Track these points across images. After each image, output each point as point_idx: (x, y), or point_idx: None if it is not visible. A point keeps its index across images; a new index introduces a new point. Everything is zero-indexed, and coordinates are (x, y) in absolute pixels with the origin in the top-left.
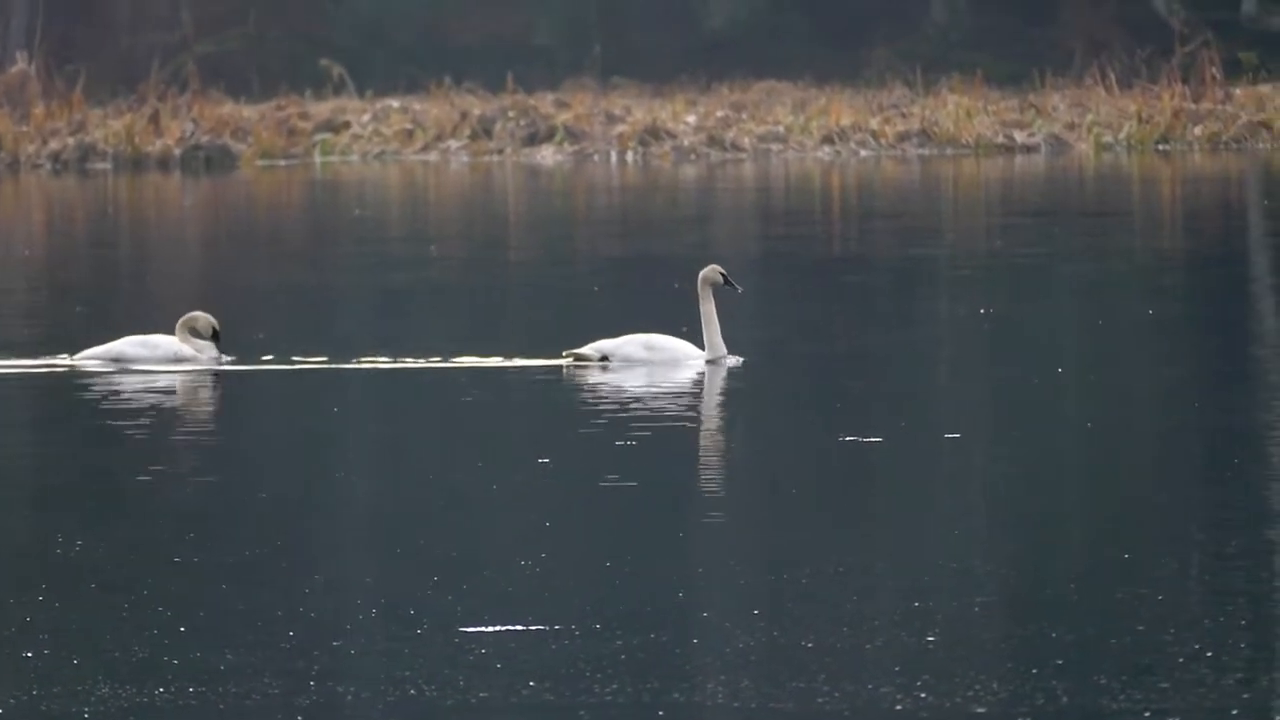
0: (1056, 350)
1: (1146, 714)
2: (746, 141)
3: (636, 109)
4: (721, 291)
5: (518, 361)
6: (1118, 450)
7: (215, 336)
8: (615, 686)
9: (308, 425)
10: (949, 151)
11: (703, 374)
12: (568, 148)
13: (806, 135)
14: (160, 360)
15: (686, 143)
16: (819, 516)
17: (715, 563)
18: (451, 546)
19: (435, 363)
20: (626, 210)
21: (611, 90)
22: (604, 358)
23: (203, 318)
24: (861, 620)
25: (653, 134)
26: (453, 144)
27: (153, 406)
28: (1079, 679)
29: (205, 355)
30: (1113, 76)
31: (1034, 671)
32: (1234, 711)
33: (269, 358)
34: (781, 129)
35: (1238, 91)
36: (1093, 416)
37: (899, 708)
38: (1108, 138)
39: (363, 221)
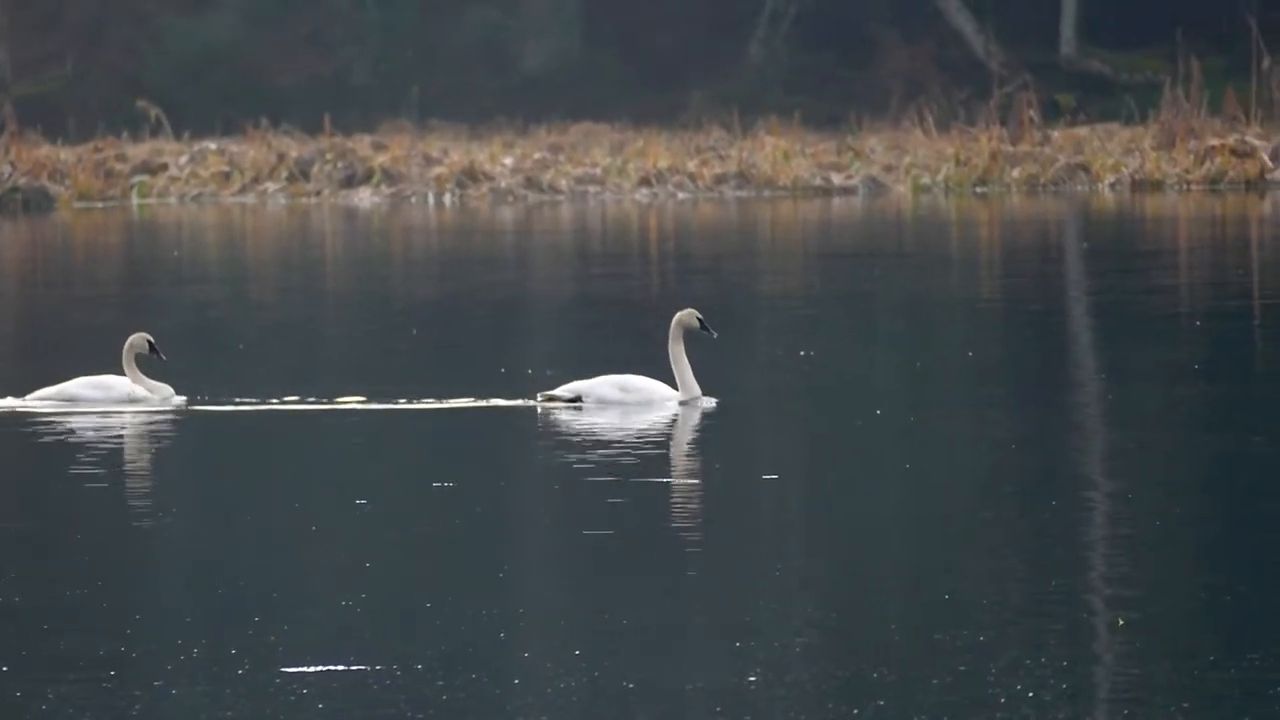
0: (875, 392)
1: None
2: (564, 183)
3: (454, 151)
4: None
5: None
6: (936, 492)
7: (153, 350)
8: None
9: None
10: (766, 194)
11: (675, 416)
12: (385, 189)
13: (624, 177)
14: (113, 401)
15: (504, 184)
16: (640, 557)
17: (539, 602)
18: (273, 587)
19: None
20: (444, 252)
21: (429, 132)
22: (577, 398)
23: (136, 338)
24: (682, 660)
25: (470, 176)
26: (270, 186)
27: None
28: (899, 718)
29: (158, 396)
30: (930, 119)
31: (855, 712)
32: None
33: (228, 398)
34: (599, 171)
35: (1056, 134)
36: (911, 459)
37: None
38: (925, 180)
39: (180, 263)
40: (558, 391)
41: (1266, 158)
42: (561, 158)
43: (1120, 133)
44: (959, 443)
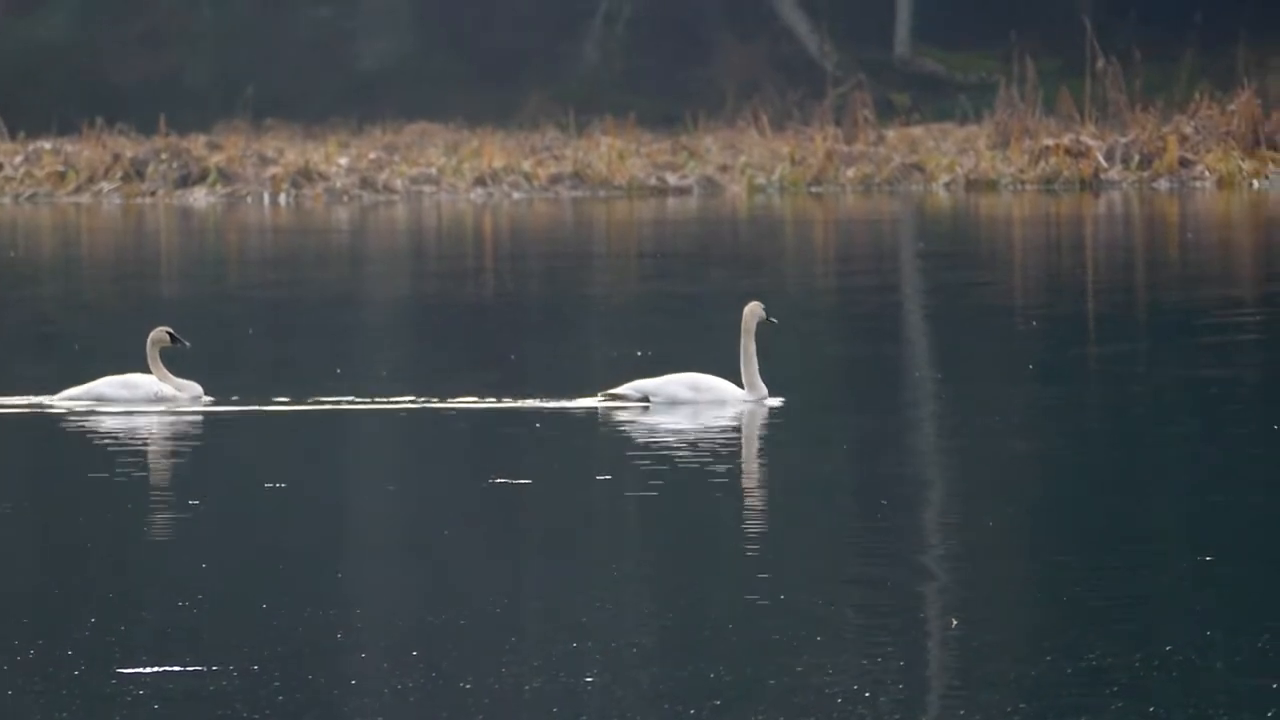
0: None
1: None
2: (399, 183)
3: (289, 150)
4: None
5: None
6: (769, 491)
7: (175, 340)
8: None
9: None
10: (602, 193)
11: (739, 416)
12: (220, 189)
13: (459, 177)
14: (140, 401)
15: (339, 184)
16: (476, 558)
17: (376, 603)
18: (110, 587)
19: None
20: (278, 252)
21: (264, 132)
22: (644, 398)
23: (157, 333)
24: (519, 660)
25: (305, 176)
26: (105, 186)
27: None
28: (737, 718)
29: (186, 394)
30: (765, 118)
31: (691, 712)
32: None
33: (253, 398)
34: (434, 171)
35: (890, 133)
36: (744, 457)
37: None
38: (760, 179)
39: (16, 263)
40: (622, 390)
41: (1101, 158)
42: (397, 157)
43: (955, 132)
44: (793, 443)
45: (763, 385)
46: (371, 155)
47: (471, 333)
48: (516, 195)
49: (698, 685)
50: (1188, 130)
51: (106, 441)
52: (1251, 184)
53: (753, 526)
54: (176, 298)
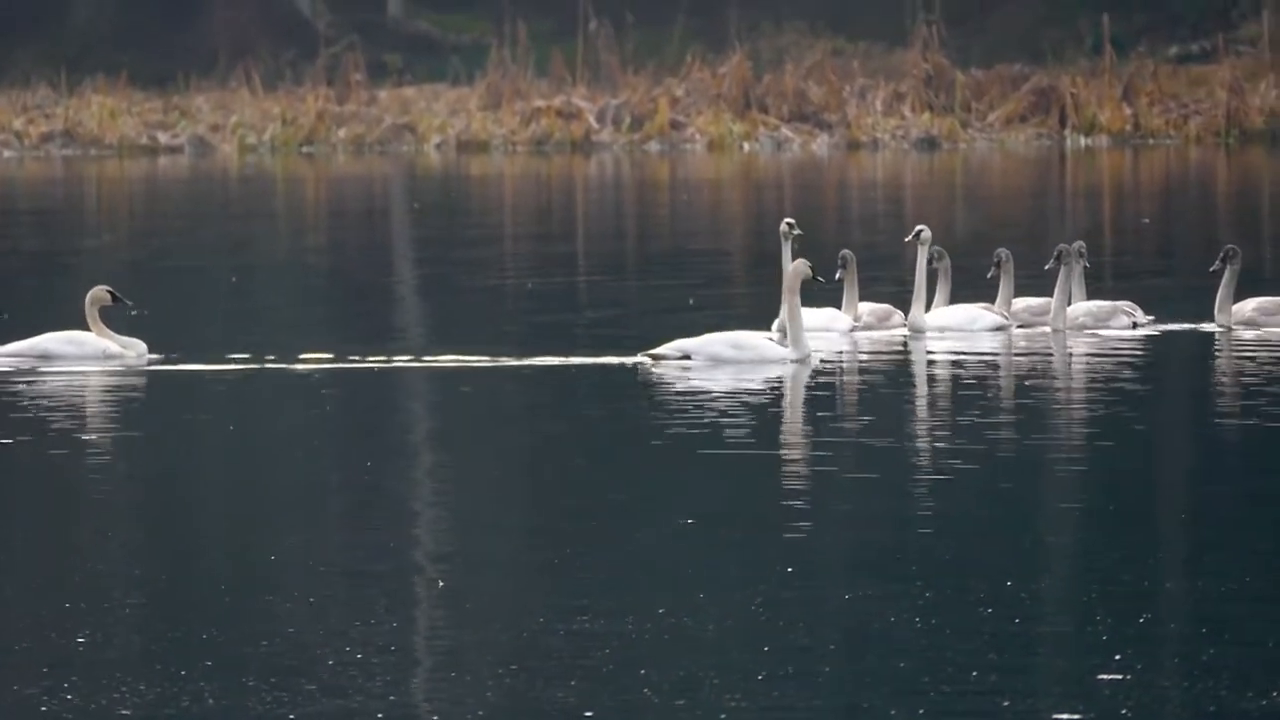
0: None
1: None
2: None
3: None
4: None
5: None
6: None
7: (116, 300)
8: None
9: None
10: (94, 152)
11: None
12: None
13: None
14: (87, 358)
15: None
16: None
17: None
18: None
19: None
20: None
21: None
22: (685, 356)
23: (97, 291)
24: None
25: None
26: None
27: None
28: (226, 682)
29: (133, 352)
30: (258, 78)
31: (183, 673)
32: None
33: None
34: None
35: (383, 94)
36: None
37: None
38: (252, 139)
39: None
40: (663, 350)
41: (592, 119)
42: None
43: (447, 94)
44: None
45: (807, 343)
46: None
47: None
48: (7, 154)
49: (188, 650)
50: (679, 93)
51: (51, 400)
52: (742, 146)
53: (232, 491)
54: None
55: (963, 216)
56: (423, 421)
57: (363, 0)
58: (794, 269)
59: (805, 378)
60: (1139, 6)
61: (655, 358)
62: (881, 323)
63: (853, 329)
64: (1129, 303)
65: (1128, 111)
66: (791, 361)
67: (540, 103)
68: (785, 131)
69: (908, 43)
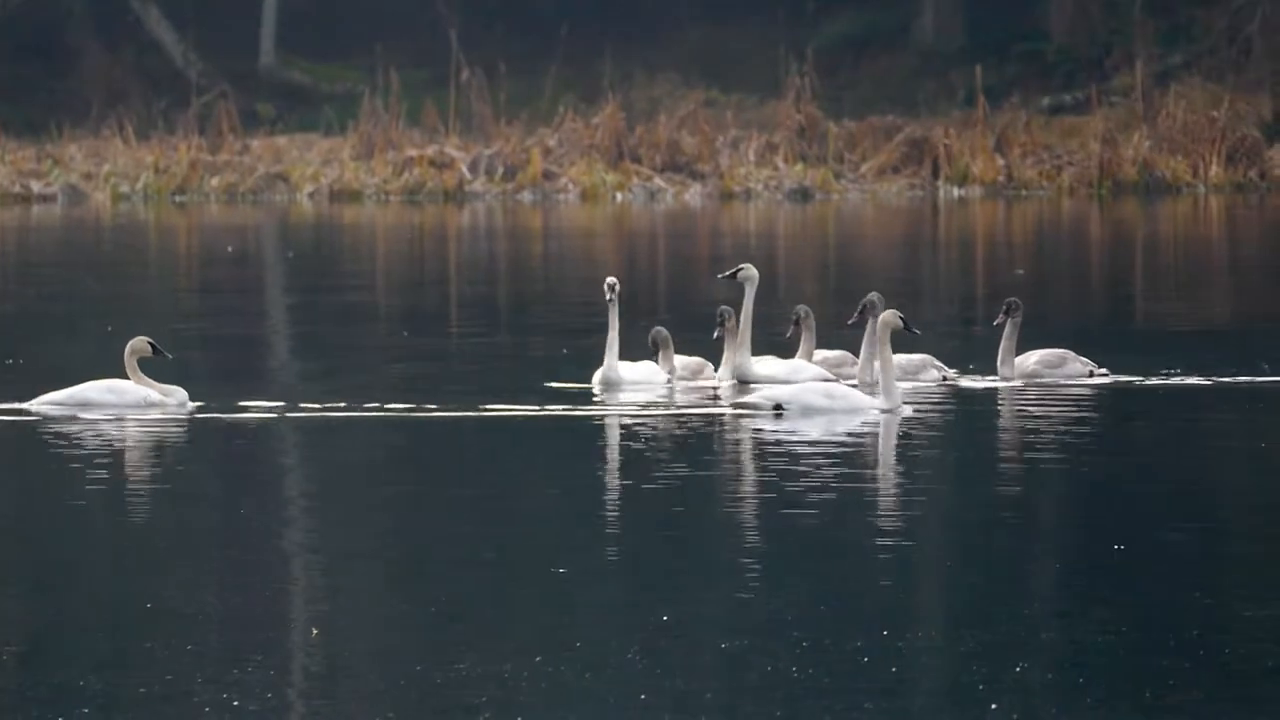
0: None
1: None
2: None
3: None
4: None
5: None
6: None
7: (156, 351)
8: None
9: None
10: None
11: (875, 425)
12: None
13: None
14: (128, 406)
15: None
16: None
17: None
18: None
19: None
20: None
21: None
22: (778, 406)
23: (137, 342)
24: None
25: None
26: None
27: None
28: None
29: (173, 400)
30: (130, 127)
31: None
32: None
33: (239, 404)
34: None
35: (255, 143)
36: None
37: None
38: (125, 188)
39: None
40: (752, 399)
41: (465, 169)
42: None
43: (320, 143)
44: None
45: (899, 394)
46: None
47: None
48: None
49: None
50: (552, 143)
51: (98, 448)
52: (615, 196)
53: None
54: None
55: (834, 267)
56: (294, 470)
57: (235, 50)
58: (885, 319)
59: (896, 428)
60: (1012, 58)
61: (743, 406)
62: (695, 376)
63: (668, 382)
64: (930, 356)
65: (1000, 162)
66: (882, 412)
67: (413, 152)
68: (658, 181)
69: (781, 94)
